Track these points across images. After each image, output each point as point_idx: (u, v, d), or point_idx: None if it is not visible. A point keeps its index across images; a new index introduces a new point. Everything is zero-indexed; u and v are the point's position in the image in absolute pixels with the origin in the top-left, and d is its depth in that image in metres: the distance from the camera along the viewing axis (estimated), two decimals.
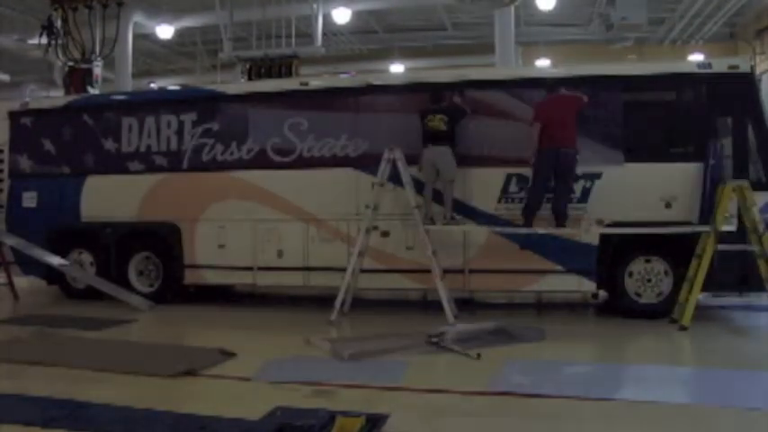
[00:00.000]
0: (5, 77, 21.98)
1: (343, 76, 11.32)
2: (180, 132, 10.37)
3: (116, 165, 10.64)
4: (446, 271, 9.12)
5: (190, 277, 10.32)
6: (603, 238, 8.77)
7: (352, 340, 7.56)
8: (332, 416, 4.61)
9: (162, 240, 10.40)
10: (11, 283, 11.08)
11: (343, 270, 9.31)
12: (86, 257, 10.84)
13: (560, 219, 8.52)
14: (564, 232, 8.68)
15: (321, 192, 9.71)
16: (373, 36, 22.48)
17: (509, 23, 16.75)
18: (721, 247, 7.97)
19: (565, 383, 5.82)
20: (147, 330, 8.98)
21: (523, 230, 8.68)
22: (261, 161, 9.95)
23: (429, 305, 10.74)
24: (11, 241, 10.69)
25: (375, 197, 9.01)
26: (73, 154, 10.89)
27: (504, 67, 16.17)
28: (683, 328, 7.83)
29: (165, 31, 19.35)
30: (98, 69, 13.65)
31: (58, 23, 13.54)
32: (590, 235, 8.74)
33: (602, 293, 9.43)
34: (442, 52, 22.41)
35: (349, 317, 9.12)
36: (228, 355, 6.70)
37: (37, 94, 21.56)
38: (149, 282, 10.60)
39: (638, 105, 8.89)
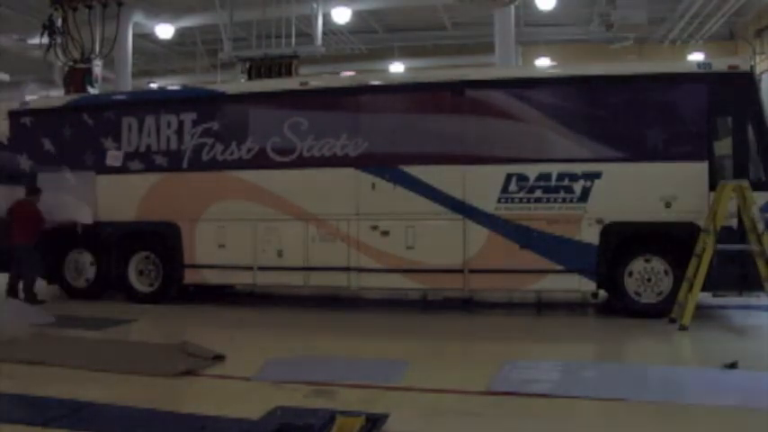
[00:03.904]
0: (5, 77, 21.97)
1: (341, 75, 11.29)
2: (180, 132, 10.36)
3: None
4: (446, 270, 9.14)
5: (190, 277, 10.31)
6: (603, 237, 8.78)
7: None
8: (332, 416, 4.61)
9: (162, 240, 10.40)
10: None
11: (344, 270, 9.33)
12: (86, 257, 10.84)
13: None
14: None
15: (321, 192, 9.71)
16: (373, 36, 22.47)
17: (509, 23, 16.75)
18: (720, 246, 7.98)
19: (565, 383, 5.81)
20: (147, 330, 8.99)
21: None
22: (261, 161, 9.94)
23: (429, 305, 10.77)
24: None
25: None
26: (73, 154, 10.89)
27: (503, 66, 16.15)
28: (683, 328, 7.82)
29: (165, 31, 19.34)
30: (98, 69, 13.66)
31: (59, 23, 13.54)
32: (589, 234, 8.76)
33: (602, 293, 9.43)
34: (442, 52, 22.41)
35: (349, 316, 9.13)
36: (219, 358, 6.66)
37: (37, 94, 21.56)
38: (149, 281, 10.59)
39: (638, 105, 8.89)
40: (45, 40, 13.70)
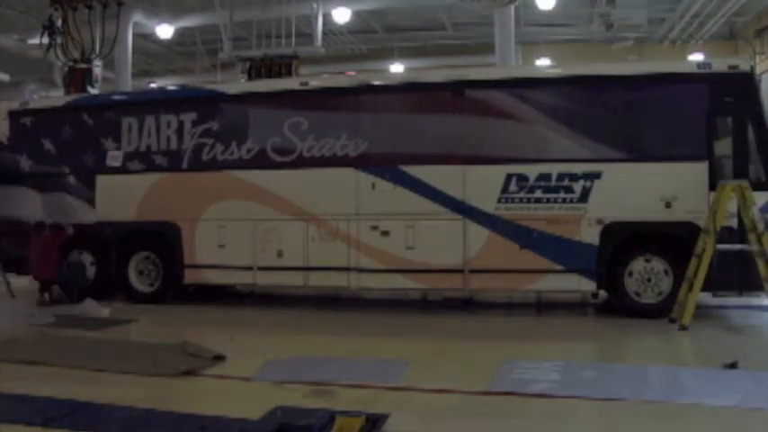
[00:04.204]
0: (5, 77, 21.96)
1: (341, 75, 11.30)
2: (180, 132, 10.36)
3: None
4: (446, 270, 9.14)
5: (190, 277, 10.32)
6: (604, 237, 8.78)
7: None
8: (332, 416, 4.61)
9: (162, 240, 10.40)
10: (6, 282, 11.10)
11: (344, 270, 9.33)
12: (86, 257, 10.83)
13: None
14: None
15: (321, 192, 9.70)
16: (373, 36, 22.46)
17: (509, 23, 16.74)
18: (720, 246, 7.98)
19: (565, 383, 5.81)
20: (147, 330, 8.98)
21: None
22: (261, 161, 9.94)
23: (429, 305, 10.77)
24: None
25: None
26: (73, 154, 10.89)
27: (503, 66, 16.14)
28: (683, 328, 7.83)
29: (165, 31, 19.33)
30: (98, 69, 13.65)
31: (59, 23, 13.54)
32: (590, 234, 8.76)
33: (602, 293, 9.43)
34: (441, 52, 22.40)
35: (349, 316, 9.13)
36: (219, 358, 6.67)
37: (37, 94, 21.55)
38: (149, 281, 10.59)
39: (638, 105, 8.89)
40: (45, 40, 13.69)
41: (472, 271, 9.15)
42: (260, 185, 9.94)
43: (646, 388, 5.67)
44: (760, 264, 7.85)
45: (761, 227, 7.87)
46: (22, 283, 11.53)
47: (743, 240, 8.14)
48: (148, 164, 10.48)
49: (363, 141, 9.57)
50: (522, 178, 9.01)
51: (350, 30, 21.17)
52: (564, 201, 8.90)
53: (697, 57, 17.58)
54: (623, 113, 8.92)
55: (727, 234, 8.17)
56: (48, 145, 11.00)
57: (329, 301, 11.00)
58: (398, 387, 5.73)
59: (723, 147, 8.77)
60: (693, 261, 8.11)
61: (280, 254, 9.82)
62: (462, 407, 5.27)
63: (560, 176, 8.91)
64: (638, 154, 8.82)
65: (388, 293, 10.92)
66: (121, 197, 10.51)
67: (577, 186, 8.86)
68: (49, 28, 13.59)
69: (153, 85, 22.87)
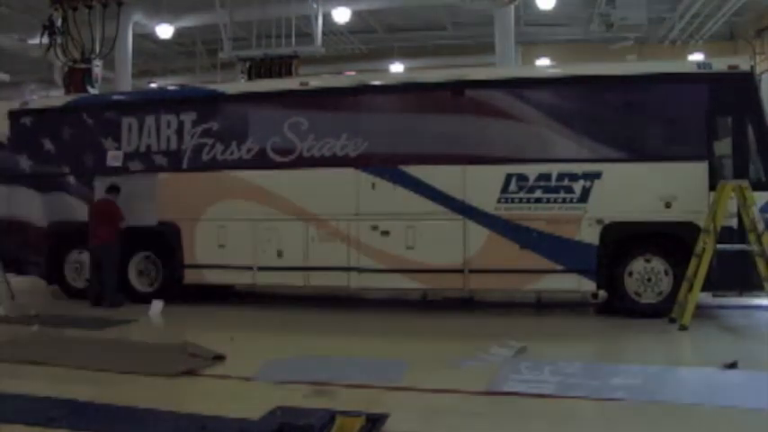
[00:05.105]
0: (5, 77, 21.95)
1: (341, 75, 11.30)
2: (180, 132, 10.36)
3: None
4: (446, 270, 9.14)
5: (190, 277, 10.31)
6: (603, 237, 8.78)
7: None
8: (332, 416, 4.61)
9: (162, 240, 10.40)
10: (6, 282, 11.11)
11: (344, 270, 9.32)
12: (86, 257, 10.83)
13: None
14: None
15: (321, 192, 9.71)
16: (373, 36, 22.48)
17: (509, 23, 16.75)
18: (720, 246, 7.98)
19: (565, 384, 5.81)
20: (147, 330, 8.98)
21: None
22: (261, 161, 9.95)
23: (429, 305, 10.77)
24: None
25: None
26: (72, 154, 10.89)
27: (503, 66, 16.15)
28: (683, 328, 7.83)
29: (164, 31, 19.33)
30: (98, 69, 13.66)
31: (59, 23, 13.54)
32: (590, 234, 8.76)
33: (602, 293, 9.43)
34: (441, 52, 22.42)
35: (349, 316, 9.12)
36: (219, 358, 6.67)
37: (37, 94, 21.54)
38: (149, 281, 10.59)
39: (638, 105, 8.89)
40: (45, 40, 13.70)
41: (472, 271, 9.15)
42: (260, 185, 9.94)
43: (645, 388, 5.67)
44: (760, 264, 7.85)
45: (761, 227, 7.87)
46: (23, 283, 11.56)
47: (743, 240, 8.14)
48: (148, 164, 10.48)
49: (363, 141, 9.57)
50: (521, 178, 9.01)
51: (350, 30, 21.18)
52: (564, 201, 8.90)
53: (697, 57, 17.60)
54: (623, 113, 8.93)
55: (727, 234, 8.18)
56: (48, 145, 11.00)
57: (329, 301, 11.00)
58: (398, 387, 5.73)
59: (723, 147, 8.78)
60: (693, 261, 8.12)
61: (280, 254, 9.82)
62: (462, 407, 5.27)
63: (560, 176, 8.91)
64: (638, 154, 8.82)
65: (388, 293, 10.92)
66: (121, 197, 10.50)
67: (577, 186, 8.86)
68: (49, 28, 13.60)
69: (153, 85, 22.87)
